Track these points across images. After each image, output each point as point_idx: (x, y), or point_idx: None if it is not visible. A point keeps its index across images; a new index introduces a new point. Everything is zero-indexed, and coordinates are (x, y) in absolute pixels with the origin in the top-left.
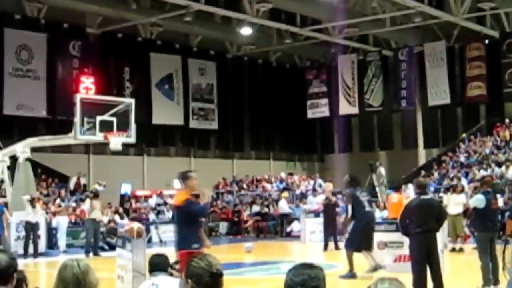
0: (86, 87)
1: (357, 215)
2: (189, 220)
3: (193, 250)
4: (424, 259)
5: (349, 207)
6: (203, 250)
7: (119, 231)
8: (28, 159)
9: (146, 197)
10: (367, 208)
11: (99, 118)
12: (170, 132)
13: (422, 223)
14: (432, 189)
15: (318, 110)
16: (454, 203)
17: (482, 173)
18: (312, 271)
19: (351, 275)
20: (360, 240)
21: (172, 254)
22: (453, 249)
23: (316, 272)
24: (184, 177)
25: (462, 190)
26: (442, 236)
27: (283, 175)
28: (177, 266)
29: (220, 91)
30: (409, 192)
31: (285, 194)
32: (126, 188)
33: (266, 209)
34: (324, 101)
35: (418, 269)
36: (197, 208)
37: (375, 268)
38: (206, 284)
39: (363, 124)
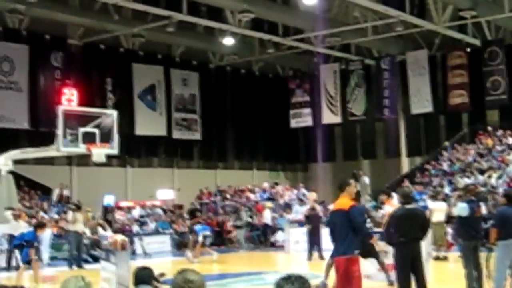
0: (68, 99)
1: None
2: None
3: (354, 256)
4: (409, 268)
5: None
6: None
7: (103, 243)
8: (10, 172)
9: (130, 209)
10: None
11: (81, 129)
12: (153, 143)
13: (406, 232)
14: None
15: (301, 119)
16: (437, 211)
17: (465, 181)
18: (299, 284)
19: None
20: None
21: (156, 266)
22: (438, 258)
23: (303, 284)
24: (345, 184)
25: (444, 199)
26: (426, 245)
27: (266, 185)
28: (162, 279)
29: (203, 101)
30: (393, 201)
31: (269, 204)
32: (109, 200)
33: (250, 219)
34: (307, 110)
35: (403, 278)
36: (360, 216)
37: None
38: None
39: (346, 133)
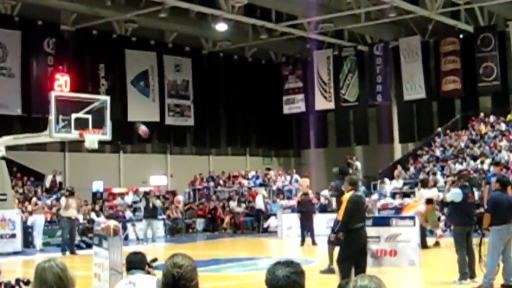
0: (61, 85)
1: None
2: None
3: None
4: (356, 253)
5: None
6: None
7: (96, 229)
8: (3, 158)
9: (122, 195)
10: None
11: (74, 115)
12: None
13: (361, 218)
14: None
15: (294, 105)
16: (424, 198)
17: (458, 167)
18: (290, 268)
19: (331, 269)
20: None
21: (148, 251)
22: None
23: (295, 269)
24: None
25: (434, 185)
26: (417, 231)
27: (253, 172)
28: (154, 264)
29: (195, 87)
30: (386, 188)
31: (263, 192)
32: (98, 186)
33: (243, 205)
34: (300, 96)
35: (349, 264)
36: None
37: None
38: (168, 284)
39: (339, 119)
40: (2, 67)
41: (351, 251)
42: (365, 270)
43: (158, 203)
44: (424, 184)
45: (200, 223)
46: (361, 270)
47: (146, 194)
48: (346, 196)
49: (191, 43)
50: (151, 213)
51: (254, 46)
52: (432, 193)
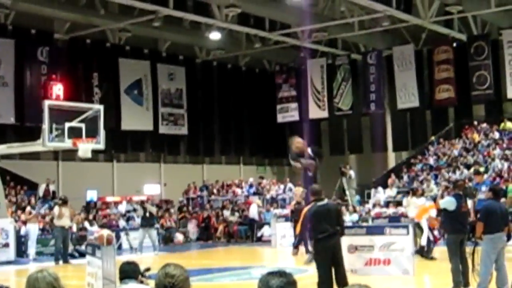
0: (55, 93)
1: None
2: None
3: None
4: (330, 261)
5: None
6: None
7: (89, 238)
8: None
9: (116, 203)
10: None
11: (67, 124)
12: (140, 138)
13: (324, 228)
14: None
15: (288, 114)
16: (414, 206)
17: (452, 175)
18: (283, 279)
19: None
20: None
21: (142, 261)
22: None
23: (287, 279)
24: None
25: (422, 194)
26: (411, 239)
27: (251, 179)
28: (147, 273)
29: (189, 96)
30: (379, 196)
31: (258, 201)
32: (91, 195)
33: (236, 214)
34: (294, 105)
35: (324, 272)
36: None
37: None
38: None
39: (333, 128)
40: None
41: (324, 263)
42: (344, 276)
43: (153, 210)
44: (414, 193)
45: (193, 232)
46: (339, 275)
47: (142, 202)
48: (304, 210)
49: (184, 52)
50: (148, 222)
51: (247, 55)
52: (421, 202)
